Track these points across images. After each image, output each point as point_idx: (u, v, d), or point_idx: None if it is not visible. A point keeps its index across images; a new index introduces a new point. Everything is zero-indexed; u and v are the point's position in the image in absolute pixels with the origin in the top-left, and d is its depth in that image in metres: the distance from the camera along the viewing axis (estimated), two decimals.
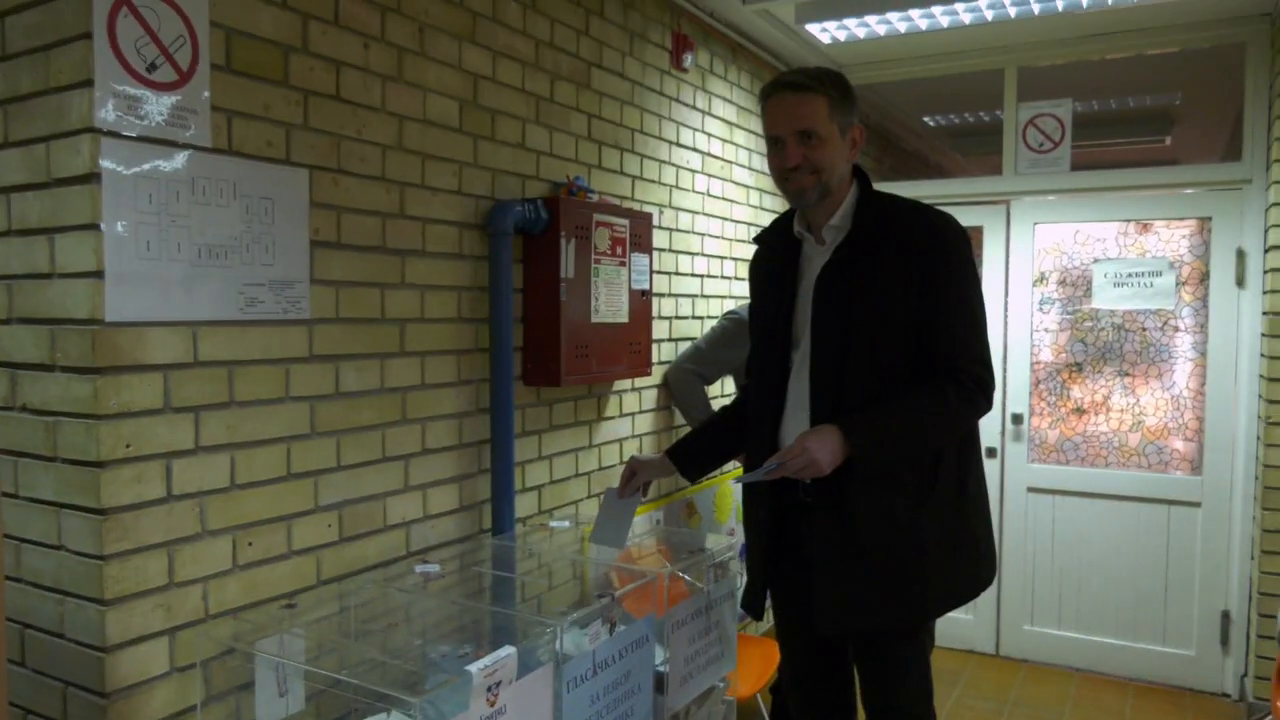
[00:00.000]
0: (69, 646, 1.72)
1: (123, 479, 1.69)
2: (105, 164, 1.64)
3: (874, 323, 1.93)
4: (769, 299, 2.15)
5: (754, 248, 2.33)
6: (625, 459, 3.24)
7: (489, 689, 1.63)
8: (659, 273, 3.40)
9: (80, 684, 1.70)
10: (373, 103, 2.19)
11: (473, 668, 1.59)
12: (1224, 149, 6.13)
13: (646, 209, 3.31)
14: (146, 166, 1.71)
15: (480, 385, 2.55)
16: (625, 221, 2.95)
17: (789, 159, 1.95)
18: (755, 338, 2.22)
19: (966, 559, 2.04)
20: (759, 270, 2.25)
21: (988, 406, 1.98)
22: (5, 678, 1.27)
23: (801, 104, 1.94)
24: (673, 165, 3.49)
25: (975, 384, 1.94)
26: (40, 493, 1.72)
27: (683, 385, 3.37)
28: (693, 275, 3.66)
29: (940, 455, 1.99)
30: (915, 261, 1.92)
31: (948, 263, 1.94)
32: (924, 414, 1.91)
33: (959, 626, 4.34)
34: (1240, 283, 3.87)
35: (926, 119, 5.54)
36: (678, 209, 3.54)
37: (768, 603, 2.31)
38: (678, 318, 3.56)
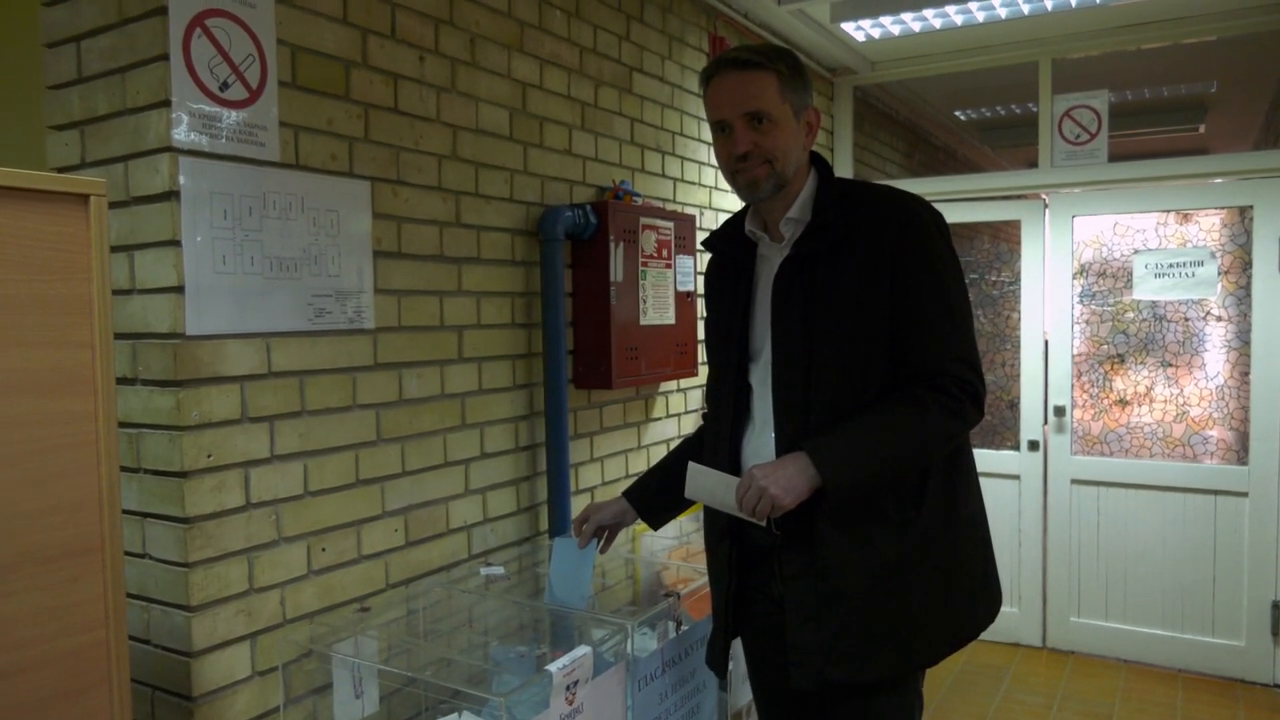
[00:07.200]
0: (156, 652, 1.76)
1: (205, 488, 1.74)
2: (184, 181, 1.69)
3: (841, 324, 1.68)
4: (722, 309, 1.90)
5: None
6: None
7: (568, 688, 1.66)
8: (701, 274, 3.42)
9: (168, 689, 1.75)
10: (428, 114, 2.23)
11: (553, 667, 1.62)
12: (1258, 136, 6.07)
13: (688, 211, 3.34)
14: (221, 183, 1.75)
15: (534, 389, 2.59)
16: (670, 224, 2.98)
17: (738, 144, 1.71)
18: (710, 354, 1.94)
19: (963, 594, 1.74)
20: (710, 279, 2.00)
21: (978, 416, 1.71)
22: (129, 696, 1.31)
23: (748, 82, 1.70)
24: (711, 167, 3.51)
25: (961, 390, 1.67)
26: (125, 503, 1.77)
27: None
28: None
29: (926, 476, 1.70)
30: (885, 251, 1.67)
31: (923, 250, 1.69)
32: (903, 431, 1.64)
33: (1005, 620, 4.32)
34: None
35: (958, 113, 5.53)
36: (717, 210, 3.56)
37: (734, 656, 1.96)
38: None
